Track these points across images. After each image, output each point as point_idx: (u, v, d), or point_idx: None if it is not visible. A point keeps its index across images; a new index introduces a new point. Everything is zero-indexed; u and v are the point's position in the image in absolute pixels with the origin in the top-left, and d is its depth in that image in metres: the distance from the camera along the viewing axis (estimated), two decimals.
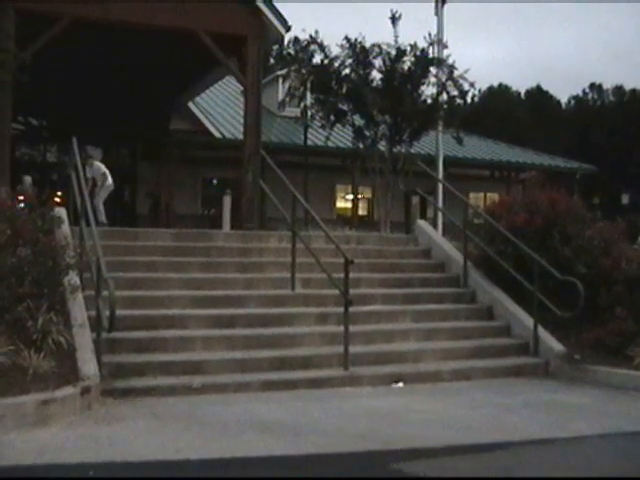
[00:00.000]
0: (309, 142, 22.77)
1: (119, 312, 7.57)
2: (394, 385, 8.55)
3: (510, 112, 48.01)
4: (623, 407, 8.14)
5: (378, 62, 16.95)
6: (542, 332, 9.95)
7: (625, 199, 35.08)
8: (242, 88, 14.86)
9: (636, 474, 6.02)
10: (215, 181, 24.88)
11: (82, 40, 14.38)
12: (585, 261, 10.59)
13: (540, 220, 10.87)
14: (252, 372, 8.41)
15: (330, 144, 20.72)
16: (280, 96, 21.80)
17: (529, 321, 10.06)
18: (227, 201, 17.18)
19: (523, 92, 55.67)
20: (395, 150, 17.22)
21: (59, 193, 19.60)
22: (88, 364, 7.46)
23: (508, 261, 10.65)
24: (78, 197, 9.84)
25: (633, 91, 51.18)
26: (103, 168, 16.52)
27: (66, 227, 10.01)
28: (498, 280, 11.00)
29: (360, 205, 26.79)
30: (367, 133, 17.08)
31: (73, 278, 8.74)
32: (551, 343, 9.81)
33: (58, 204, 11.84)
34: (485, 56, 76.78)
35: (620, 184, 38.10)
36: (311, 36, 16.99)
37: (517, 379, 9.29)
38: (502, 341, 10.22)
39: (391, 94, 16.57)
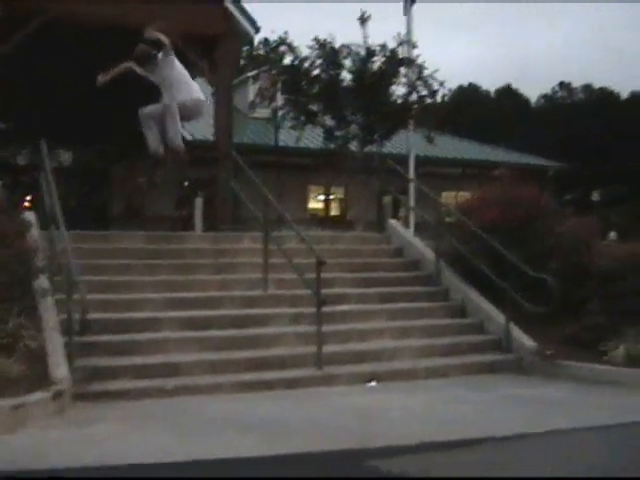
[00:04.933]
0: (281, 143, 22.73)
1: (91, 315, 7.52)
2: (369, 384, 8.56)
3: (481, 111, 48.27)
4: (597, 401, 8.19)
5: (348, 62, 16.99)
6: (515, 329, 10.02)
7: (596, 196, 35.40)
8: (213, 89, 14.78)
9: (613, 466, 6.08)
10: (187, 183, 24.76)
11: (50, 38, 14.22)
12: (558, 257, 10.66)
13: (512, 217, 10.93)
14: (227, 373, 8.38)
15: (302, 145, 20.71)
16: (251, 97, 21.74)
17: (502, 318, 10.12)
18: (199, 203, 17.12)
19: (493, 91, 56.04)
20: (367, 150, 17.26)
21: (28, 197, 19.39)
22: (60, 368, 7.38)
23: (481, 259, 10.69)
24: (48, 200, 9.75)
25: (602, 89, 51.70)
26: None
27: (35, 231, 9.92)
28: (471, 278, 11.04)
29: (333, 205, 26.82)
30: (338, 133, 17.10)
31: (44, 282, 8.66)
32: (523, 339, 9.88)
33: (28, 208, 11.72)
34: (456, 55, 77.27)
35: (591, 181, 38.46)
36: (280, 37, 17.00)
37: (491, 375, 9.34)
38: (476, 338, 10.27)
39: (362, 94, 16.61)
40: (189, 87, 10.07)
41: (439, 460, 6.11)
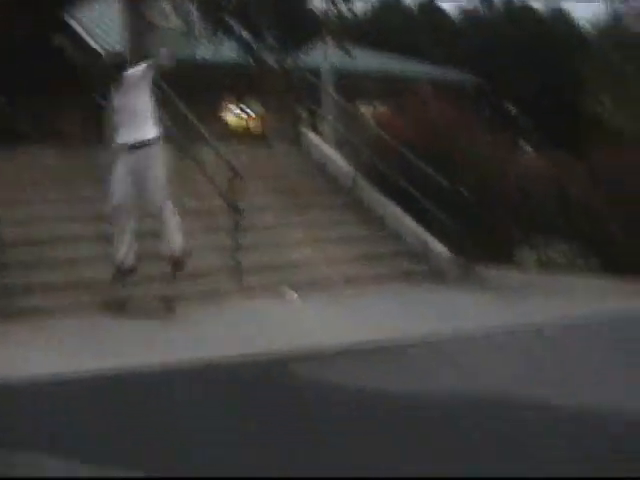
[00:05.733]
0: (197, 57, 22.21)
1: (1, 231, 7.35)
2: (286, 293, 8.63)
3: (402, 26, 47.90)
4: (508, 305, 8.44)
5: None
6: (431, 239, 10.19)
7: (513, 111, 35.70)
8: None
9: (519, 363, 6.31)
10: (102, 100, 24.11)
11: None
12: (472, 170, 10.79)
13: (427, 130, 10.99)
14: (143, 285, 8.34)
15: (218, 59, 20.28)
16: (164, 9, 21.08)
17: (419, 229, 10.27)
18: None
19: (415, 6, 55.60)
20: (284, 64, 17.00)
21: None
22: None
23: (398, 172, 10.76)
24: None
25: (523, 5, 51.79)
26: None
27: None
28: (388, 189, 11.12)
29: (251, 120, 26.51)
30: (254, 46, 16.79)
31: None
32: (440, 249, 10.06)
33: None
34: None
35: (510, 96, 38.79)
36: None
37: (408, 284, 9.50)
38: (393, 248, 10.41)
39: (278, 6, 16.29)
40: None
41: (354, 364, 6.24)
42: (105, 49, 21.98)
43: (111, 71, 8.22)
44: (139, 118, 7.94)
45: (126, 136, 7.93)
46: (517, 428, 4.80)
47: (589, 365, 6.30)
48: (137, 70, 8.01)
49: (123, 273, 7.95)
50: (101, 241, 8.98)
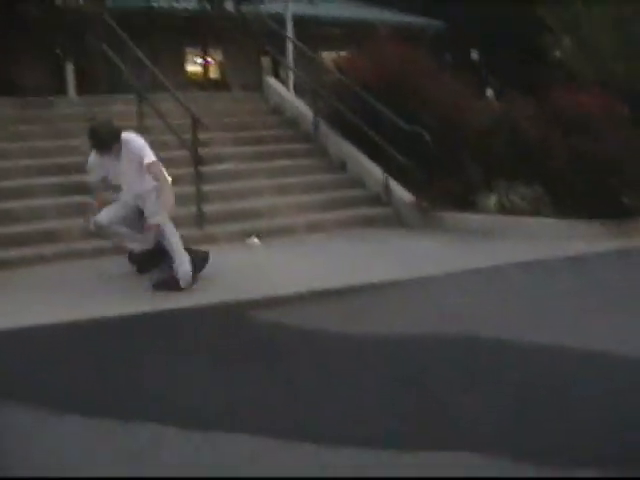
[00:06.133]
0: (154, 3, 21.84)
1: None
2: (250, 240, 8.65)
3: None
4: (469, 248, 8.56)
5: None
6: (393, 183, 10.23)
7: (475, 55, 35.57)
8: None
9: (478, 302, 6.44)
10: (58, 50, 23.68)
11: None
12: (432, 113, 10.79)
13: (387, 73, 10.95)
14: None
15: (176, 5, 19.96)
16: None
17: (380, 173, 10.30)
18: (70, 68, 16.46)
19: None
20: (243, 9, 16.78)
21: None
22: None
23: (358, 115, 10.74)
24: None
25: None
26: None
27: None
28: (350, 135, 11.10)
29: (211, 68, 26.21)
30: None
31: None
32: (402, 193, 10.11)
33: None
34: None
35: (472, 42, 38.66)
36: None
37: (370, 228, 9.57)
38: (355, 193, 10.45)
39: None
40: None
41: (317, 308, 6.32)
42: None
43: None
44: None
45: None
46: (488, 364, 4.97)
47: (549, 303, 6.45)
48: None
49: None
50: (56, 193, 8.96)
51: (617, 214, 9.09)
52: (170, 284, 6.72)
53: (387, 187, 10.16)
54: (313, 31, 24.95)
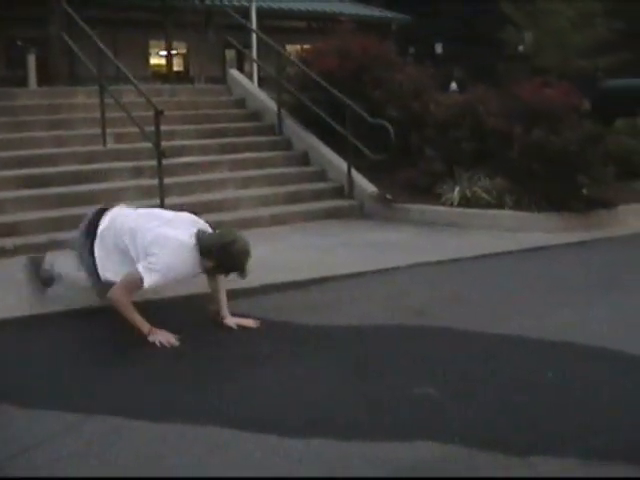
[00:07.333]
0: None
1: None
2: None
3: None
4: (432, 240, 8.60)
5: None
6: (356, 175, 10.26)
7: (439, 49, 35.73)
8: None
9: (440, 294, 6.49)
10: (20, 42, 23.44)
11: None
12: (396, 105, 10.84)
13: (351, 65, 10.99)
14: (69, 230, 8.21)
15: None
16: None
17: (344, 165, 10.32)
18: (31, 60, 16.30)
19: None
20: (208, 2, 16.76)
21: None
22: None
23: (322, 108, 10.75)
24: None
25: None
26: None
27: None
28: (313, 127, 11.13)
29: (175, 61, 26.07)
30: None
31: None
32: (365, 185, 10.14)
33: None
34: None
35: (435, 35, 38.78)
36: None
37: (334, 221, 9.58)
38: (318, 185, 10.46)
39: None
40: None
41: (280, 300, 6.33)
42: None
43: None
44: None
45: None
46: (457, 352, 5.02)
47: (509, 294, 6.52)
48: None
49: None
50: (21, 186, 8.87)
51: (578, 206, 9.20)
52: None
53: (351, 179, 10.18)
54: (278, 24, 24.99)
